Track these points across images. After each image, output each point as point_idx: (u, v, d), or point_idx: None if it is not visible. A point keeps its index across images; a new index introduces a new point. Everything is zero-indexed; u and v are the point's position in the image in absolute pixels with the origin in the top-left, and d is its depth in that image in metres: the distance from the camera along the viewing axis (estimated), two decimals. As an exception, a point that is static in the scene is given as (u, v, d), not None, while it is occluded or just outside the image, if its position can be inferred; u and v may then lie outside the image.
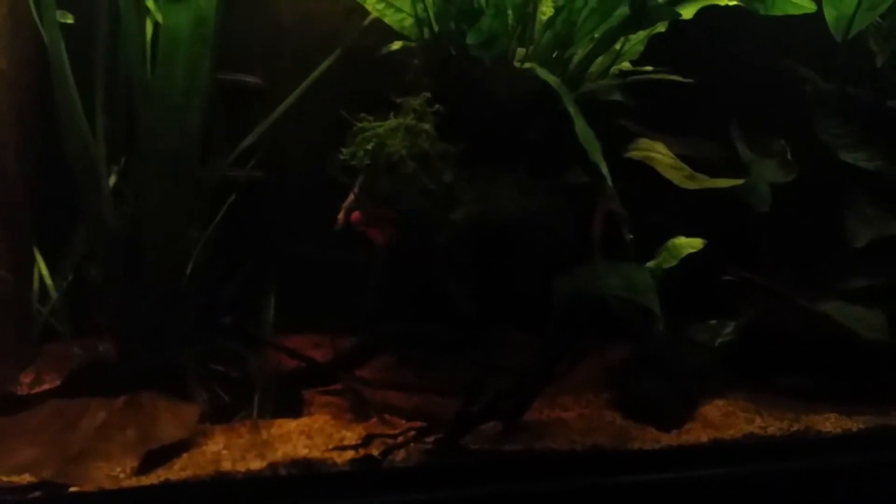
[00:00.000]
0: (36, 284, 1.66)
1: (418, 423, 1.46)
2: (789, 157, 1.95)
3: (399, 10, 1.76)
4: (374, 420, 1.54)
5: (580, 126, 1.56)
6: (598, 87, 1.83)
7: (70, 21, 1.53)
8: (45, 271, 1.63)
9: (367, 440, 1.42)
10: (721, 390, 1.73)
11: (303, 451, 1.39)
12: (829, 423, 1.63)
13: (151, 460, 1.34)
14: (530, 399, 1.53)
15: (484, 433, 1.48)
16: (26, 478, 1.28)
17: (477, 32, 1.68)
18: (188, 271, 1.59)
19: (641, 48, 1.89)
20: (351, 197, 1.60)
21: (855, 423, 1.63)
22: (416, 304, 1.75)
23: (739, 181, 1.82)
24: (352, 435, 1.46)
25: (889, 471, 1.58)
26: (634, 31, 1.81)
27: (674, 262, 1.73)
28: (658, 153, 1.90)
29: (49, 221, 1.72)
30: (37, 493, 1.26)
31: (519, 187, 1.61)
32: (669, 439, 1.54)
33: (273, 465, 1.35)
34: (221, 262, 1.68)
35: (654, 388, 1.63)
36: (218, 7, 1.45)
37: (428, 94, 1.62)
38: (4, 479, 1.26)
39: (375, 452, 1.40)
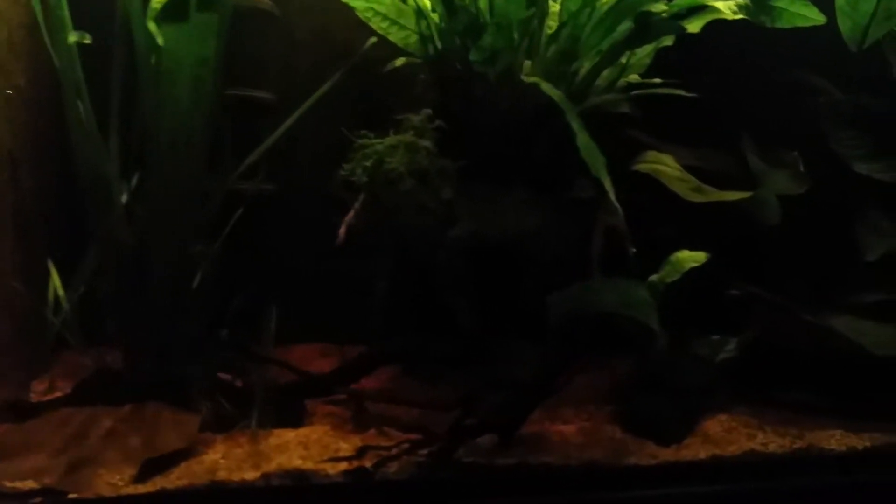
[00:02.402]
0: (51, 296, 1.71)
1: (414, 436, 1.48)
2: (801, 168, 1.92)
3: (404, 27, 1.79)
4: (372, 432, 1.56)
5: (582, 140, 1.57)
6: (604, 101, 1.83)
7: (88, 41, 1.58)
8: (58, 283, 1.68)
9: (361, 452, 1.44)
10: (726, 405, 1.71)
11: (297, 462, 1.41)
12: (834, 440, 1.61)
13: (150, 468, 1.37)
14: (526, 413, 1.53)
15: (480, 446, 1.49)
16: (29, 484, 1.32)
17: (480, 49, 1.70)
18: (195, 284, 1.63)
19: (648, 61, 1.89)
20: (352, 212, 1.62)
21: (861, 441, 1.60)
22: (422, 317, 1.77)
23: (747, 194, 1.81)
24: (348, 446, 1.48)
25: (893, 490, 1.56)
26: (639, 46, 1.82)
27: (677, 276, 1.73)
28: (665, 165, 1.89)
29: (64, 235, 1.78)
30: (37, 500, 1.30)
31: (519, 204, 1.63)
32: (667, 455, 1.53)
33: (266, 476, 1.37)
34: (228, 276, 1.71)
35: (654, 402, 1.62)
36: (221, 26, 1.48)
37: (429, 111, 1.65)
38: (8, 484, 1.31)
39: (369, 464, 1.41)
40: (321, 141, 1.85)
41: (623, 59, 1.83)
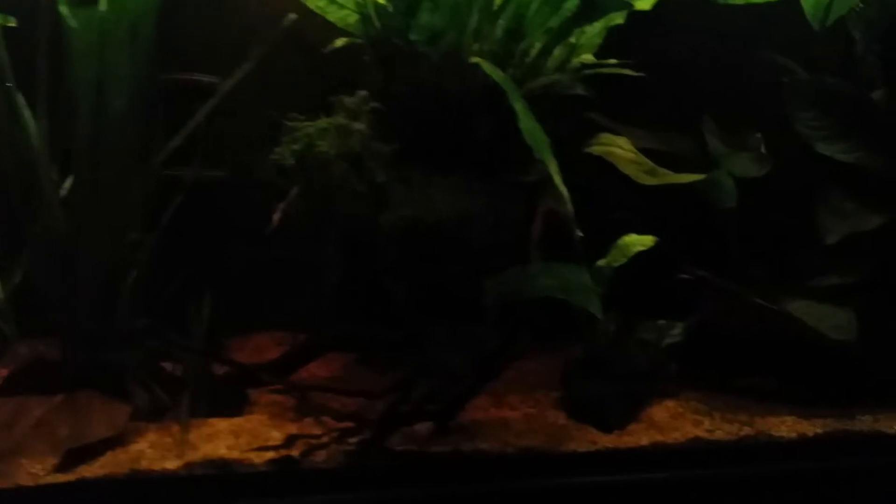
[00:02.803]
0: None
1: (346, 424, 1.45)
2: (763, 150, 1.88)
3: (342, 6, 1.75)
4: (308, 420, 1.53)
5: (525, 123, 1.53)
6: (551, 82, 1.79)
7: (12, 24, 1.55)
8: (-8, 273, 1.67)
9: (289, 441, 1.42)
10: (676, 391, 1.68)
11: (223, 451, 1.39)
12: (785, 426, 1.57)
13: (74, 458, 1.36)
14: (463, 400, 1.50)
15: (416, 434, 1.47)
16: (-52, 475, 1.31)
17: (419, 28, 1.66)
18: (131, 272, 1.60)
19: (599, 41, 1.84)
20: (287, 198, 1.59)
21: (812, 427, 1.57)
22: (364, 303, 1.74)
23: (700, 176, 1.77)
24: (279, 435, 1.46)
25: (843, 477, 1.52)
26: (587, 23, 1.77)
27: (623, 260, 1.69)
28: (619, 148, 1.85)
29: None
30: (-49, 491, 1.29)
31: (455, 188, 1.59)
32: (607, 441, 1.50)
33: (189, 465, 1.35)
34: (169, 264, 1.68)
35: (596, 388, 1.59)
36: (143, 9, 1.45)
37: (364, 93, 1.61)
38: (-75, 475, 1.30)
39: (296, 453, 1.39)
40: (269, 124, 1.82)
41: (573, 39, 1.79)
